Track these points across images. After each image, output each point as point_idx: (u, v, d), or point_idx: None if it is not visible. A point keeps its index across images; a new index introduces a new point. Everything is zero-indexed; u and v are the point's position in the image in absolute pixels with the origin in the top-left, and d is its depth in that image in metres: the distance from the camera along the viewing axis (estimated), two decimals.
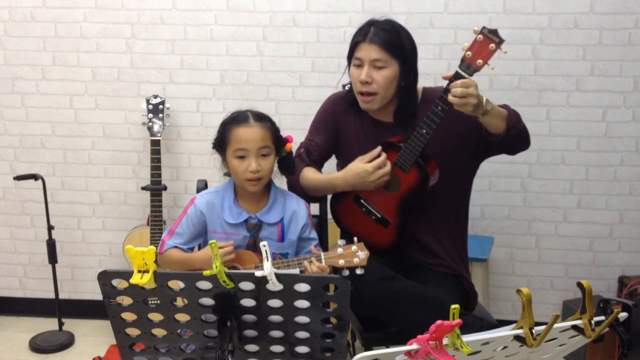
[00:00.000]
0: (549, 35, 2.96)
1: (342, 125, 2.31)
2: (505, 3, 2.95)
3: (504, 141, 2.10)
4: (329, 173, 2.30)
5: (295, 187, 2.26)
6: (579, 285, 1.39)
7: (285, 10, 3.05)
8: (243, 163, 2.02)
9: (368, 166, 2.12)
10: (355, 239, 1.99)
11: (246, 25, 3.09)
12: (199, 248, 2.20)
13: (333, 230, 2.43)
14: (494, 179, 3.12)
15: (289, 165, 2.15)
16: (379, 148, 2.14)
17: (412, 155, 2.11)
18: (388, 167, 2.13)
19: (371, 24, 2.16)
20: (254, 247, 2.08)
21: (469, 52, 1.99)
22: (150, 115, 3.01)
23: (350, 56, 2.19)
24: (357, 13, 3.02)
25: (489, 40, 1.97)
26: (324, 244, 2.34)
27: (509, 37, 3.00)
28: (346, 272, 1.95)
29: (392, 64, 2.12)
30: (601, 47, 2.95)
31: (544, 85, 3.01)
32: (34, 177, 3.03)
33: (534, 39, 2.97)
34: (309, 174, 2.26)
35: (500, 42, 1.97)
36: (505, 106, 2.12)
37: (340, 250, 1.96)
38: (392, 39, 2.13)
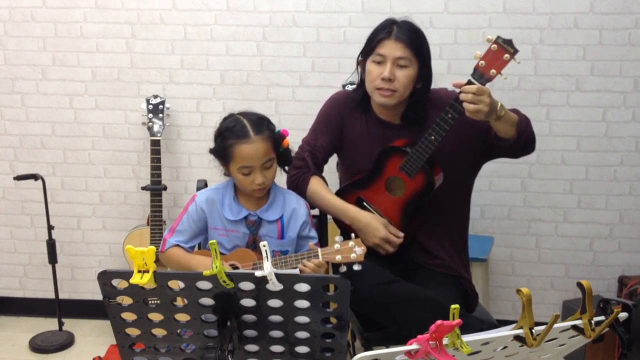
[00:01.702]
0: (549, 35, 2.96)
1: (346, 125, 2.30)
2: (505, 3, 2.95)
3: (514, 145, 2.09)
4: (343, 201, 2.24)
5: (298, 192, 2.24)
6: (579, 285, 1.39)
7: (285, 10, 3.05)
8: (248, 178, 2.03)
9: (383, 232, 2.14)
10: (353, 235, 1.99)
11: (246, 25, 3.08)
12: (200, 247, 2.21)
13: (333, 230, 2.43)
14: (494, 179, 3.12)
15: (286, 159, 2.16)
16: (402, 236, 2.16)
17: (419, 161, 2.10)
18: (392, 249, 2.15)
19: (393, 22, 2.14)
20: (254, 244, 2.09)
21: (482, 61, 1.96)
22: (150, 115, 3.01)
23: (370, 52, 2.16)
24: (357, 13, 3.02)
25: (503, 50, 1.95)
26: (324, 244, 2.33)
27: (509, 37, 3.00)
28: (343, 268, 1.96)
29: (413, 64, 2.12)
30: (601, 47, 2.95)
31: (544, 85, 3.01)
32: (34, 177, 3.03)
33: (534, 39, 2.96)
34: (319, 189, 2.25)
35: (514, 52, 1.94)
36: (515, 111, 2.11)
37: (337, 246, 1.96)
38: (416, 39, 2.13)
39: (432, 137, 2.06)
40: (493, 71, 1.96)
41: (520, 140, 2.08)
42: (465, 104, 1.95)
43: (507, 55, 1.95)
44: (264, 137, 2.03)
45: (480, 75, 1.97)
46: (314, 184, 2.25)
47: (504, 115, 1.99)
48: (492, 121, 2.01)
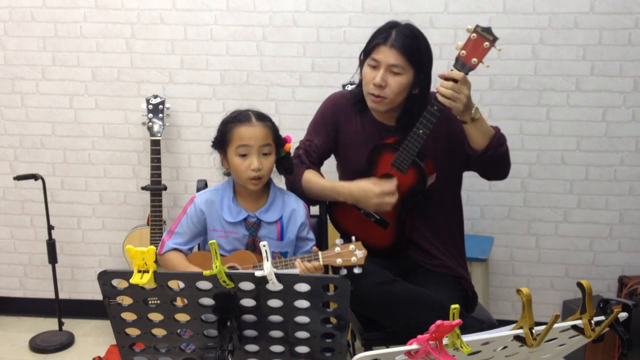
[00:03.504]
0: (549, 35, 2.96)
1: (342, 125, 2.31)
2: (505, 3, 2.95)
3: (480, 158, 2.09)
4: (333, 181, 2.28)
5: (295, 188, 2.25)
6: (579, 285, 1.39)
7: (285, 10, 3.05)
8: (245, 161, 2.02)
9: (376, 189, 2.11)
10: (353, 238, 1.99)
11: (246, 25, 3.09)
12: (199, 247, 2.21)
13: (333, 231, 2.43)
14: None
15: (287, 165, 2.15)
16: (395, 180, 2.12)
17: (409, 155, 2.11)
18: (395, 198, 2.11)
19: (393, 26, 2.13)
20: (253, 246, 2.09)
21: (463, 51, 2.00)
22: (150, 115, 3.01)
23: (367, 55, 2.16)
24: (357, 13, 3.02)
25: (483, 39, 1.97)
26: (323, 245, 2.34)
27: (509, 37, 3.00)
28: (344, 271, 1.96)
29: (408, 71, 2.11)
30: (601, 47, 2.95)
31: (544, 85, 3.01)
32: (34, 177, 3.03)
33: (534, 39, 2.97)
34: (311, 177, 2.25)
35: (494, 39, 1.97)
36: (495, 128, 2.12)
37: (337, 249, 1.96)
38: (413, 47, 2.11)
39: (421, 131, 2.07)
40: (474, 60, 1.98)
41: (488, 155, 2.07)
42: (443, 90, 1.97)
43: (487, 43, 1.97)
44: (264, 125, 2.05)
45: (462, 64, 2.00)
46: (307, 174, 2.26)
47: (478, 118, 2.01)
48: (467, 122, 2.02)
